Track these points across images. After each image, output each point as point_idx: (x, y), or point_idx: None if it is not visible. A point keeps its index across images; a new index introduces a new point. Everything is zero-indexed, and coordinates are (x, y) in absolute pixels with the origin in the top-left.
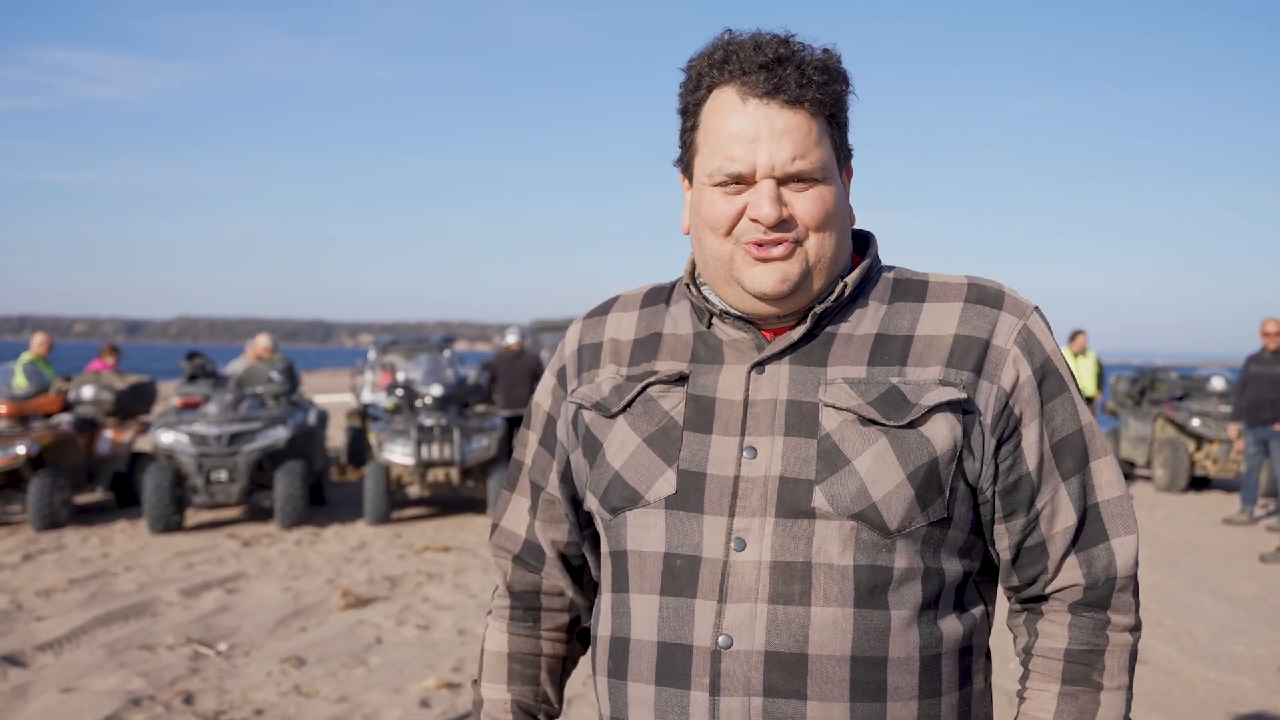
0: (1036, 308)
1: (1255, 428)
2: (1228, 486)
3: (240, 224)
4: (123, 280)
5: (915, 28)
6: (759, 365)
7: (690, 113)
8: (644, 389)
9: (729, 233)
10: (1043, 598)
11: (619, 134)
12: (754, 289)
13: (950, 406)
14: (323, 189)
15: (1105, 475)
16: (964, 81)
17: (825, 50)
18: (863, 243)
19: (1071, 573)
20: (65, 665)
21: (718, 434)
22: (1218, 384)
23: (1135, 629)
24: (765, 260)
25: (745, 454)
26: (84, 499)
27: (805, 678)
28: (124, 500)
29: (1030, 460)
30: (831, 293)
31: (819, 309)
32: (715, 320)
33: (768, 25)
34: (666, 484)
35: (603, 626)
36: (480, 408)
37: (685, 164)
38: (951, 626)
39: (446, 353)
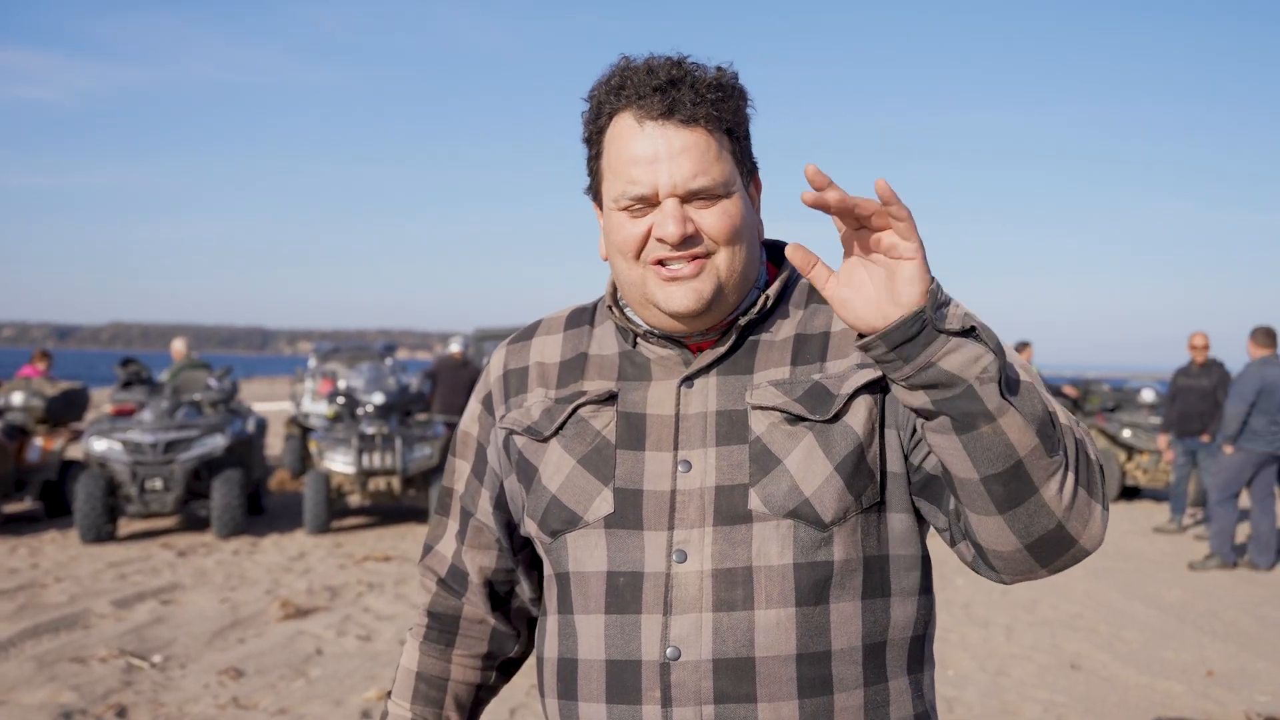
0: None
1: (1184, 439)
2: (1157, 496)
3: (176, 228)
4: (52, 284)
5: (814, 38)
6: (688, 380)
7: (593, 141)
8: (574, 410)
9: (639, 255)
10: None
11: (560, 142)
12: (668, 308)
13: (868, 388)
14: (261, 194)
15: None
16: (890, 88)
17: (719, 69)
18: (778, 253)
19: None
20: None
21: (651, 450)
22: (1148, 396)
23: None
24: (674, 279)
25: (680, 468)
26: (12, 508)
27: (754, 680)
28: (54, 509)
29: None
30: (755, 305)
31: (742, 321)
32: (640, 340)
33: (719, 36)
34: (604, 503)
35: (549, 649)
36: (422, 416)
37: (594, 191)
38: (899, 612)
39: (388, 361)
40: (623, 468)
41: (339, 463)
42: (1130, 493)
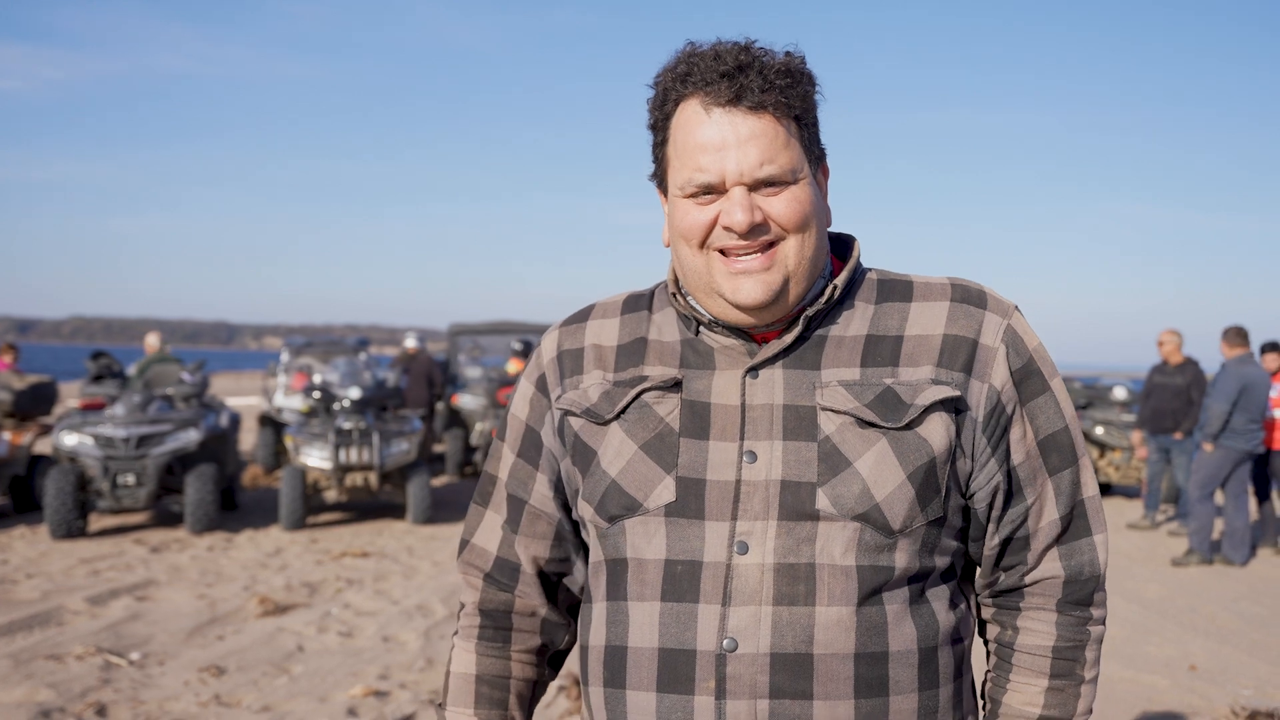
0: (1016, 306)
1: (1157, 435)
2: (1128, 493)
3: (139, 222)
4: (12, 278)
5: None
6: (753, 370)
7: (659, 128)
8: (638, 395)
9: (703, 243)
10: (1019, 593)
11: (535, 139)
12: (736, 300)
13: (944, 405)
14: (227, 188)
15: (1087, 473)
16: (866, 87)
17: (788, 53)
18: (843, 246)
19: (1051, 565)
20: None
21: (715, 439)
22: (1119, 394)
23: (1105, 620)
24: (744, 272)
25: (745, 459)
26: None
27: (811, 677)
28: (22, 505)
29: (1018, 456)
30: (821, 295)
31: (810, 311)
32: (703, 328)
33: (705, 32)
34: (666, 491)
35: (595, 636)
36: (398, 411)
37: (659, 178)
38: (946, 619)
39: (362, 355)
40: (686, 456)
41: (315, 458)
42: (1102, 489)
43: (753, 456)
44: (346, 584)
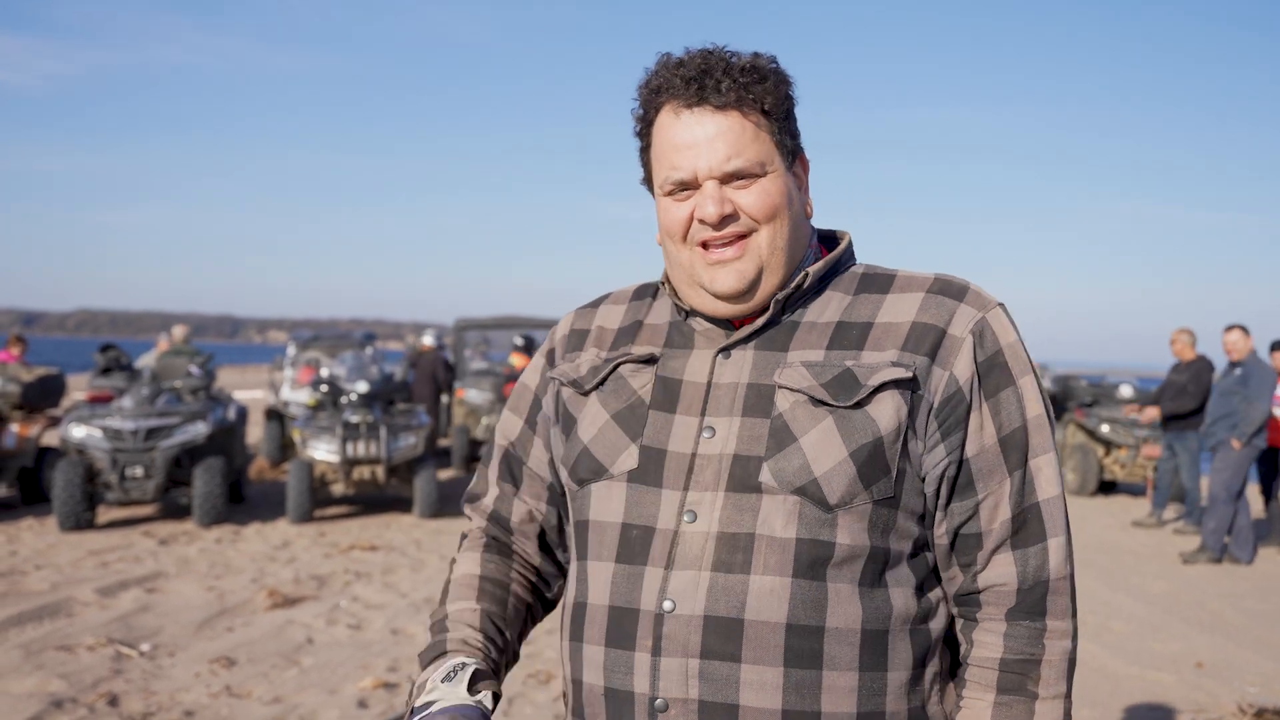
0: (1001, 304)
1: (1168, 433)
2: (1134, 490)
3: (145, 214)
4: (18, 270)
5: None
6: (725, 350)
7: (643, 135)
8: (615, 368)
9: (685, 237)
10: (975, 601)
11: (540, 133)
12: (713, 289)
13: (898, 385)
14: (231, 181)
15: (1046, 474)
16: (864, 83)
17: (755, 55)
18: (835, 241)
19: (1002, 569)
20: None
21: (680, 414)
22: (1125, 391)
23: (1072, 636)
24: (719, 262)
25: (704, 433)
26: None
27: (741, 642)
28: (30, 497)
29: (971, 448)
30: (793, 281)
31: (780, 295)
32: (690, 315)
33: (704, 28)
34: (630, 458)
35: (568, 594)
36: (404, 405)
37: (648, 181)
38: (905, 604)
39: (368, 350)
40: (652, 427)
41: (323, 451)
42: (1107, 487)
43: (711, 431)
44: (355, 577)
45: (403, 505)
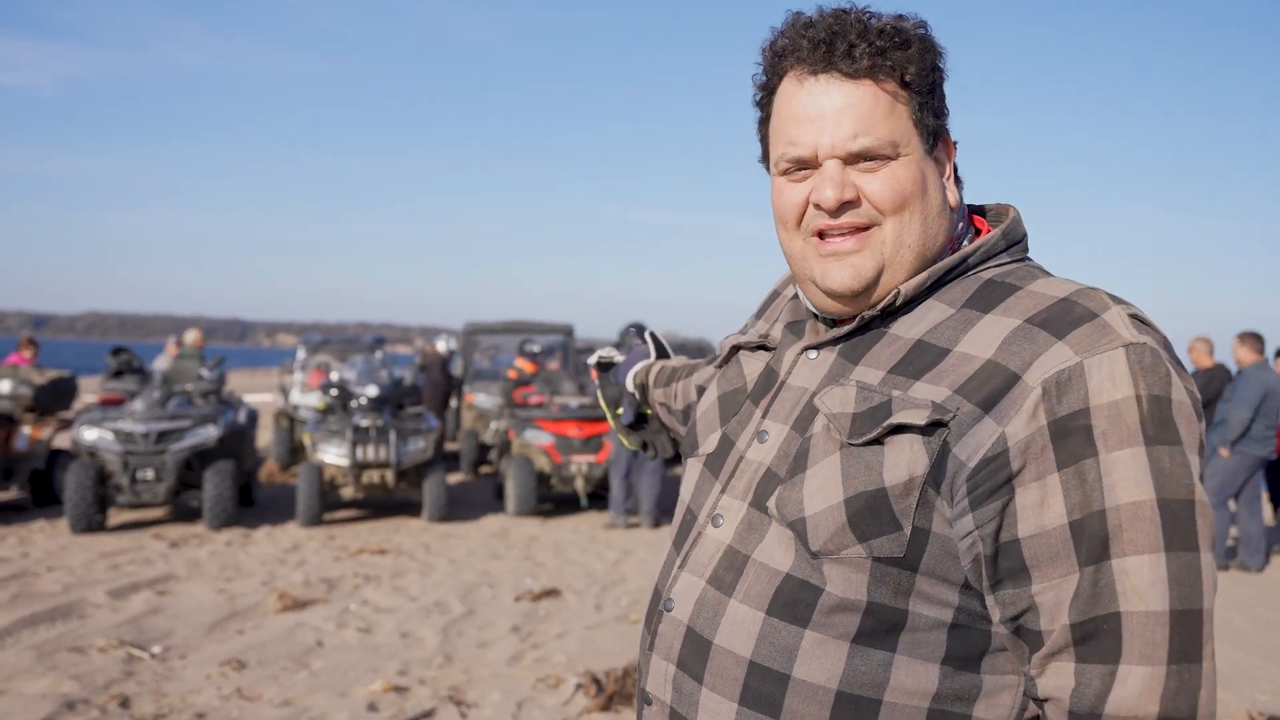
0: (1134, 345)
1: None
2: None
3: (154, 217)
4: (27, 273)
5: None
6: (811, 349)
7: (763, 104)
8: (734, 351)
9: (799, 224)
10: (1044, 711)
11: (545, 137)
12: (825, 285)
13: (922, 431)
14: (240, 185)
15: (1139, 580)
16: None
17: (899, 16)
18: (1010, 222)
19: (1059, 682)
20: None
21: (758, 410)
22: None
23: None
24: (833, 254)
25: (758, 437)
26: (0, 497)
27: (705, 663)
28: (42, 499)
29: (1026, 526)
30: (899, 294)
31: (868, 313)
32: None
33: (713, 31)
34: (711, 443)
35: None
36: (413, 409)
37: (765, 159)
38: (920, 677)
39: (378, 354)
40: (739, 417)
41: (332, 455)
42: None
43: (764, 436)
44: (364, 580)
45: (412, 509)
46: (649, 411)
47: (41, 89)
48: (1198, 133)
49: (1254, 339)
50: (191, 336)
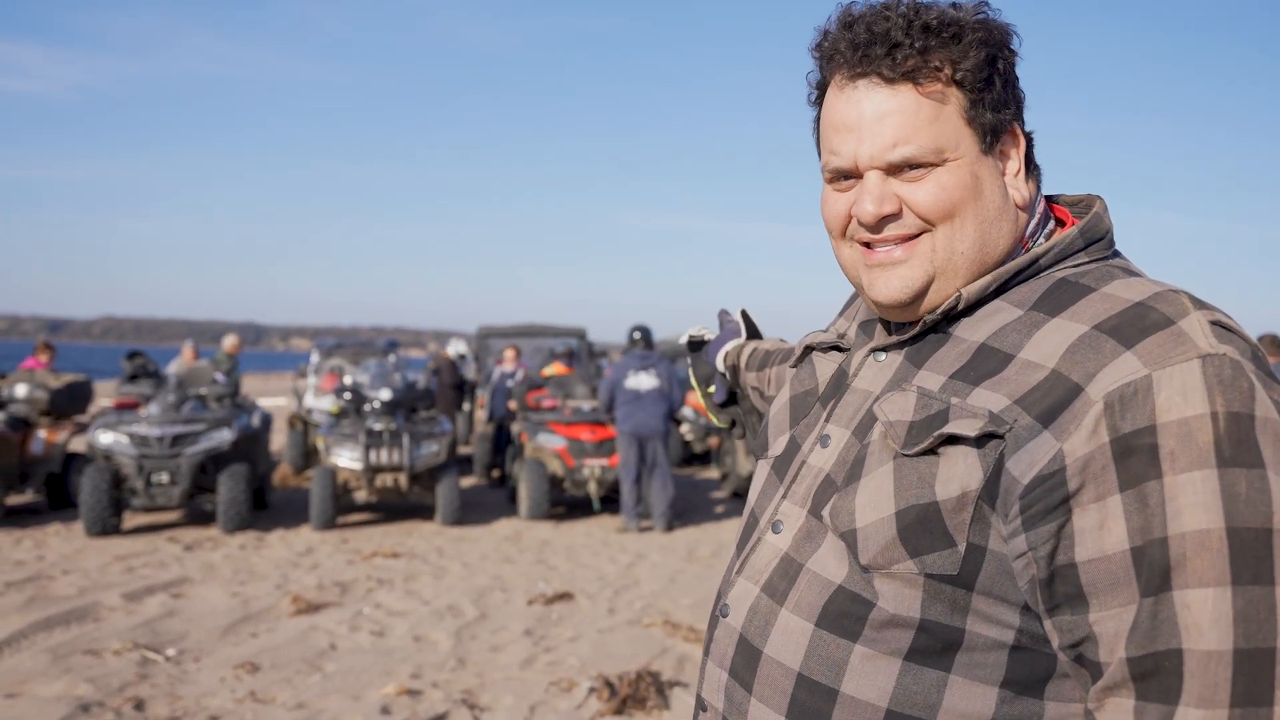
0: (1211, 356)
1: None
2: None
3: (169, 223)
4: (44, 278)
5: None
6: (878, 351)
7: (816, 105)
8: (808, 351)
9: (844, 233)
10: None
11: (556, 143)
12: (872, 295)
13: (975, 444)
14: (253, 189)
15: (1199, 614)
16: None
17: (954, 4)
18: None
19: (1116, 717)
20: (7, 670)
21: (825, 414)
22: None
23: None
24: (881, 265)
25: (821, 441)
26: (15, 500)
27: (755, 673)
28: (57, 502)
29: (1085, 550)
30: (960, 298)
31: (929, 319)
32: None
33: (722, 35)
34: (779, 445)
35: None
36: (426, 413)
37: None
38: (975, 700)
39: (392, 357)
40: (808, 419)
41: (346, 459)
42: None
43: (826, 441)
44: (377, 584)
45: (425, 512)
46: (739, 390)
47: (55, 96)
48: (1199, 134)
49: (1271, 341)
50: (229, 343)
